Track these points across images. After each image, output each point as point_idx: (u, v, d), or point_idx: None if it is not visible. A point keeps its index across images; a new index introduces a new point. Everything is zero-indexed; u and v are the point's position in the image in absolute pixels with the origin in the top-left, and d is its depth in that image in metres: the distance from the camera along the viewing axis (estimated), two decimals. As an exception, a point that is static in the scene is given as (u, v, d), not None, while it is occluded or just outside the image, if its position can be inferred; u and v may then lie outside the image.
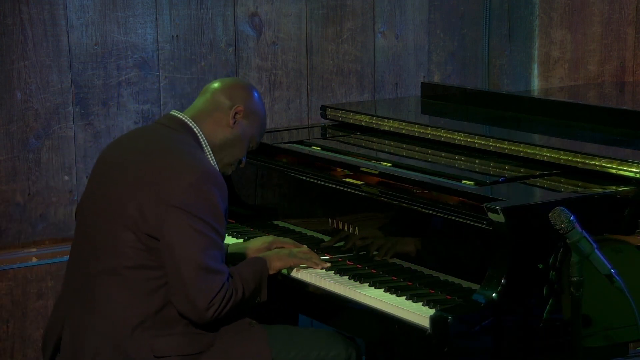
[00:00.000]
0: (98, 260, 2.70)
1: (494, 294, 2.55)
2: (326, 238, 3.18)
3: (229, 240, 3.35)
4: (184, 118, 2.86)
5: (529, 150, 3.08)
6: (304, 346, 2.89)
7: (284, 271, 2.99)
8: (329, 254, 3.10)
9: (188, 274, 2.61)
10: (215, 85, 2.94)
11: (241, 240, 3.32)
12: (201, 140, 2.85)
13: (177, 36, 3.84)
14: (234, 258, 3.02)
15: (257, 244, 3.12)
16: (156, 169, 2.69)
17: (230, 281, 2.69)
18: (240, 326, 2.78)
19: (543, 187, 2.88)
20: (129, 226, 2.64)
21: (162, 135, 2.82)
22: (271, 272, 2.91)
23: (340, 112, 3.81)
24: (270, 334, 2.83)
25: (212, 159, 2.87)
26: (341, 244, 3.10)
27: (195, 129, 2.84)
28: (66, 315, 2.77)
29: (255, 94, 2.96)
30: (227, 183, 3.56)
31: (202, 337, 2.71)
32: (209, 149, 2.86)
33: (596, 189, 2.80)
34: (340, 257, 3.07)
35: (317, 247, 3.17)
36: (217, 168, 2.86)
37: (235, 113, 2.87)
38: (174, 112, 2.88)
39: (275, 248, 3.10)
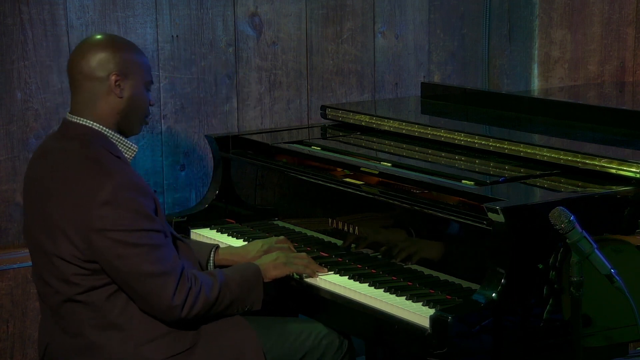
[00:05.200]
0: (56, 293, 2.68)
1: (494, 294, 2.55)
2: (326, 238, 3.18)
3: (229, 240, 3.35)
4: (79, 121, 2.67)
5: (529, 150, 3.07)
6: (297, 337, 2.89)
7: (285, 271, 2.98)
8: (327, 253, 3.11)
9: (140, 287, 2.60)
10: (75, 66, 2.67)
11: (241, 241, 3.32)
12: (105, 132, 2.67)
13: (177, 36, 3.84)
14: (227, 266, 2.97)
15: (252, 253, 3.04)
16: (69, 198, 2.60)
17: (188, 273, 2.64)
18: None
19: (543, 187, 2.88)
20: (68, 259, 2.61)
21: (67, 156, 2.66)
22: (266, 280, 2.87)
23: (340, 112, 3.81)
24: (261, 325, 2.83)
25: (123, 143, 2.70)
26: (353, 247, 3.10)
27: (93, 126, 2.67)
28: (49, 342, 2.77)
29: (113, 43, 2.69)
30: (226, 183, 3.60)
31: (186, 332, 2.69)
32: (117, 135, 2.69)
33: (596, 189, 2.80)
34: (340, 257, 3.07)
35: (316, 247, 3.18)
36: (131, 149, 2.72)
37: (115, 82, 2.65)
38: (69, 117, 2.70)
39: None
